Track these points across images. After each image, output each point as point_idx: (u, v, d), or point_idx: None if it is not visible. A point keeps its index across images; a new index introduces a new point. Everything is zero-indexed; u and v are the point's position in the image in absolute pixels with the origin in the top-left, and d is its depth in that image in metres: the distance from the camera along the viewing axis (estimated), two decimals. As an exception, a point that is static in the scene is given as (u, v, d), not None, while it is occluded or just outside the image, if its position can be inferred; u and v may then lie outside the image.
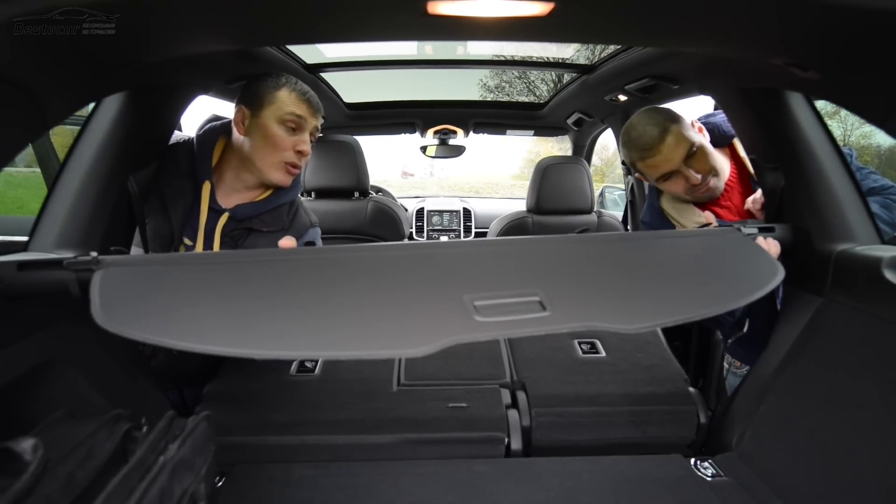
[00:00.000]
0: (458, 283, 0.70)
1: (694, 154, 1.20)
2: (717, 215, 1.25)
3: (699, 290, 0.76)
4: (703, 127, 1.26)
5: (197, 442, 0.55)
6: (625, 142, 1.28)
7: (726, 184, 1.26)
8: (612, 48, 1.51)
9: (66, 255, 0.76)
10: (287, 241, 0.86)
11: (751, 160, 1.11)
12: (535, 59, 1.91)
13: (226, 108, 1.34)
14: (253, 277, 0.72)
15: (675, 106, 1.41)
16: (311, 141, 1.19)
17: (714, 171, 1.22)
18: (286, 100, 1.13)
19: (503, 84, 2.72)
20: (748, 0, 0.60)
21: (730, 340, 1.10)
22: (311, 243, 1.25)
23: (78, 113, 0.79)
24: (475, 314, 0.63)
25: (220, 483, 0.88)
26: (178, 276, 0.71)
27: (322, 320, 0.63)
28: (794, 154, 1.00)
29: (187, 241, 1.12)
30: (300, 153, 1.16)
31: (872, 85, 0.72)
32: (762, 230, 0.99)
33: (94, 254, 0.71)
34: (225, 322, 0.61)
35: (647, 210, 1.46)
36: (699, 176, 1.20)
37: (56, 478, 0.47)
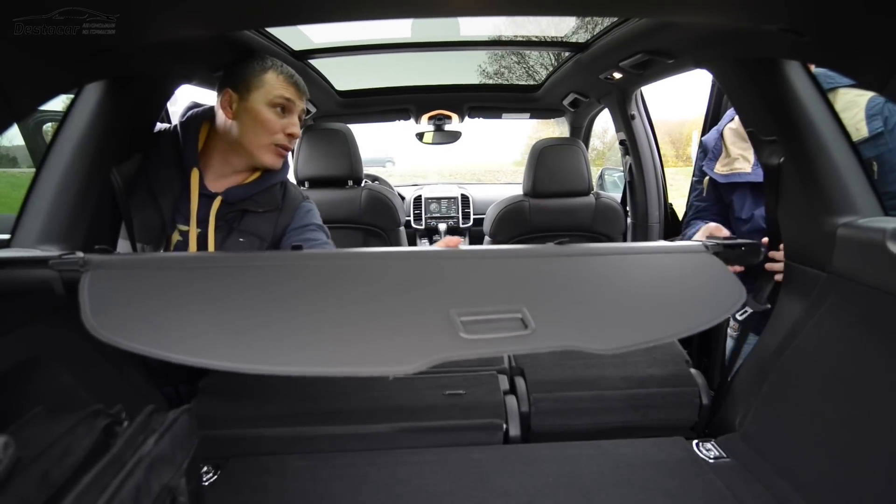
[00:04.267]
0: (444, 295, 0.73)
1: None
2: None
3: (669, 311, 0.80)
4: None
5: (177, 436, 0.54)
6: None
7: None
8: (605, 23, 1.47)
9: (50, 250, 0.75)
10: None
11: (748, 133, 1.08)
12: (531, 39, 1.87)
13: (200, 94, 1.33)
14: (242, 284, 0.73)
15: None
16: (299, 123, 1.20)
17: None
18: (274, 83, 1.13)
19: (502, 69, 2.67)
20: None
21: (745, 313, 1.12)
22: (311, 227, 1.25)
23: (62, 107, 0.78)
24: (461, 331, 0.65)
25: (216, 476, 0.88)
26: (168, 280, 0.72)
27: (311, 335, 0.65)
28: (793, 126, 0.97)
29: (181, 227, 1.11)
30: (290, 135, 1.17)
31: (870, 50, 0.69)
32: (727, 247, 1.02)
33: (80, 254, 0.70)
34: (216, 335, 0.63)
35: (712, 133, 1.60)
36: None
37: (30, 476, 0.46)
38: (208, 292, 0.70)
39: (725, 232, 1.28)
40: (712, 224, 1.34)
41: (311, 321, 0.67)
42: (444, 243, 0.94)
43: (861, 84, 0.75)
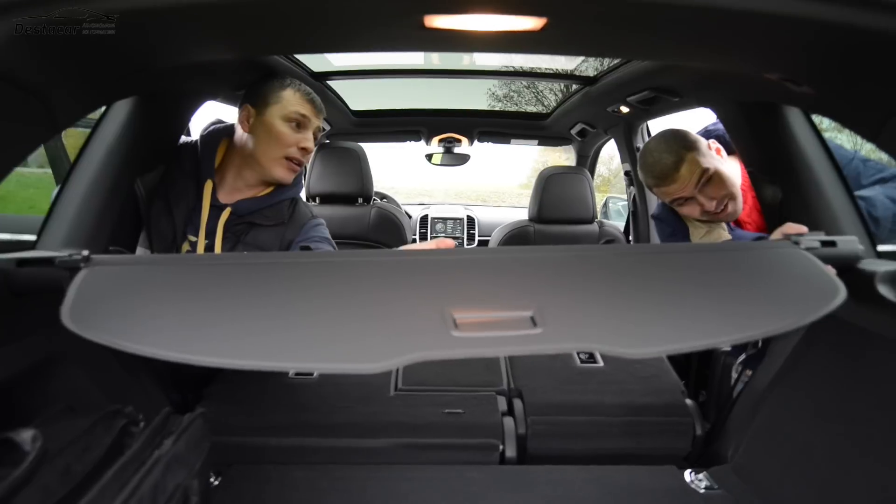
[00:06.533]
0: (443, 294, 0.64)
1: (709, 181, 1.18)
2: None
3: (732, 312, 0.63)
4: (720, 148, 1.24)
5: (192, 439, 0.57)
6: (641, 165, 1.28)
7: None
8: (613, 60, 1.52)
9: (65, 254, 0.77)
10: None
11: (749, 173, 1.12)
12: (542, 70, 1.93)
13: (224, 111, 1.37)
14: (234, 281, 0.68)
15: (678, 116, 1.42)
16: (313, 139, 1.23)
17: (731, 196, 1.19)
18: (291, 99, 1.17)
19: (512, 94, 2.73)
20: (741, 17, 0.61)
21: (743, 355, 1.12)
22: (316, 238, 1.24)
23: (88, 116, 0.81)
24: (453, 329, 0.56)
25: (217, 482, 0.90)
26: (160, 277, 0.67)
27: (282, 331, 0.58)
28: (790, 168, 1.01)
29: (191, 238, 1.15)
30: (304, 150, 1.20)
31: (864, 101, 0.73)
32: (824, 244, 0.78)
33: (85, 252, 0.69)
34: (191, 329, 0.57)
35: (659, 206, 1.42)
36: (714, 203, 1.19)
37: (54, 469, 0.49)
38: (199, 289, 0.65)
39: (804, 228, 0.91)
40: (788, 224, 0.98)
41: (285, 318, 0.60)
42: (436, 244, 0.83)
43: (856, 133, 0.78)
